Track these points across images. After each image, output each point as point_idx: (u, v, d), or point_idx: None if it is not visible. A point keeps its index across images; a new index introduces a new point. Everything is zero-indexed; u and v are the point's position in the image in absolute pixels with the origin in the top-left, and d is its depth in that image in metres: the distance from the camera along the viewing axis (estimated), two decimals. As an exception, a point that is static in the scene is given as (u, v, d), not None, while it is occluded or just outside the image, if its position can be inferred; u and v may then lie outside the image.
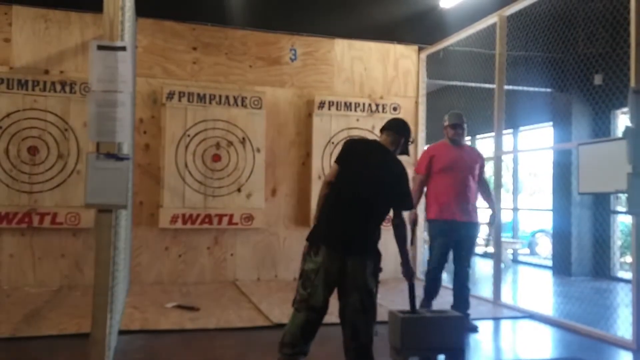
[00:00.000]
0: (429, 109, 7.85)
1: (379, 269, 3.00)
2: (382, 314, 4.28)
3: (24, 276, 6.18)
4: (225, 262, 6.89)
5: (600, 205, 8.00)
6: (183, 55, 6.88)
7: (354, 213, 2.95)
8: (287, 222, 7.12)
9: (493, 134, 6.16)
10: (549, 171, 9.00)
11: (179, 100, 6.70)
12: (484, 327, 4.91)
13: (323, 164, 7.12)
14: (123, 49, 3.42)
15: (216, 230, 6.83)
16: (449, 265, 5.32)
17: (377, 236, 3.03)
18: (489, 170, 6.12)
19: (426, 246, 7.93)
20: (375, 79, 7.58)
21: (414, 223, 4.81)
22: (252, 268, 6.98)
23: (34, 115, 6.22)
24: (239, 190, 6.87)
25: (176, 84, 6.76)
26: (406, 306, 3.42)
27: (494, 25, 6.16)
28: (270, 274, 7.03)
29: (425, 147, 7.81)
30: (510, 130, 9.68)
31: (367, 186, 2.99)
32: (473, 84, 7.66)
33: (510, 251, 9.59)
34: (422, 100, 7.73)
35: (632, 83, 4.34)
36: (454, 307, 4.72)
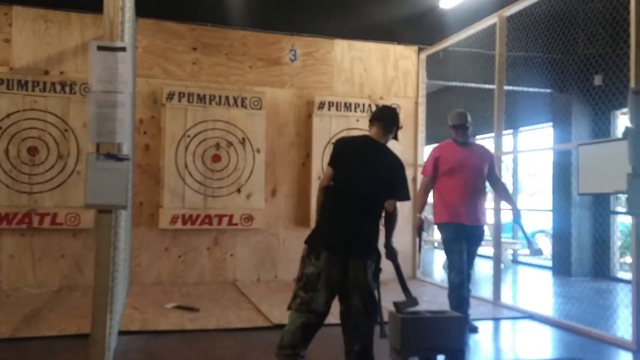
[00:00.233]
0: (429, 109, 7.86)
1: (380, 270, 2.98)
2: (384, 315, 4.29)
3: (24, 277, 6.18)
4: (225, 262, 6.89)
5: (600, 205, 8.00)
6: (183, 56, 6.88)
7: (352, 213, 2.93)
8: (287, 223, 7.12)
9: (493, 134, 6.16)
10: (548, 172, 9.00)
11: (179, 100, 6.70)
12: (484, 328, 4.90)
13: (323, 165, 7.12)
14: (123, 49, 3.42)
15: (216, 231, 6.83)
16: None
17: (377, 234, 3.01)
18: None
19: (426, 247, 7.97)
20: (375, 79, 7.58)
21: (420, 228, 4.72)
22: (252, 268, 6.98)
23: (34, 115, 6.22)
24: (238, 190, 6.88)
25: (176, 85, 6.76)
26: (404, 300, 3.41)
27: (493, 26, 6.16)
28: (270, 274, 7.03)
29: (427, 148, 7.85)
30: (510, 131, 9.68)
31: (363, 185, 2.97)
32: (473, 85, 7.66)
33: (510, 252, 9.60)
34: (422, 100, 7.74)
35: (632, 84, 4.34)
36: (449, 299, 4.66)
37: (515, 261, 9.99)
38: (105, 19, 3.41)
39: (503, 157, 6.60)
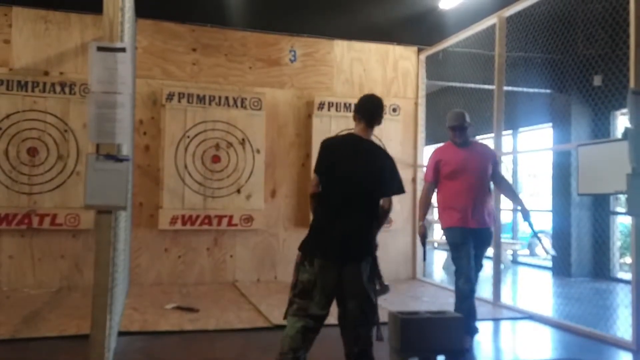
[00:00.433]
0: (429, 110, 7.86)
1: (377, 272, 2.92)
2: (382, 315, 4.29)
3: (24, 277, 6.17)
4: (225, 263, 6.89)
5: (600, 206, 8.00)
6: (183, 57, 6.88)
7: (346, 217, 2.85)
8: (287, 223, 7.12)
9: (492, 135, 6.16)
10: (548, 172, 9.00)
11: (179, 101, 6.70)
12: (484, 328, 4.90)
13: (323, 165, 7.11)
14: (123, 50, 3.42)
15: (216, 232, 6.83)
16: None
17: (372, 235, 2.95)
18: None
19: (422, 248, 7.94)
20: (374, 80, 7.59)
21: (424, 237, 4.53)
22: (251, 269, 6.98)
23: (34, 116, 6.22)
24: (238, 191, 6.87)
25: (176, 85, 6.76)
26: (405, 307, 3.41)
27: (493, 27, 6.16)
28: (270, 275, 7.03)
29: (426, 148, 7.85)
30: (510, 131, 9.68)
31: (355, 186, 2.89)
32: (472, 85, 7.67)
33: (509, 252, 9.60)
34: (422, 101, 7.74)
35: (632, 84, 4.34)
36: (456, 309, 4.38)
37: (515, 261, 9.99)
38: (105, 19, 3.41)
39: (503, 158, 6.60)
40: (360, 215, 2.89)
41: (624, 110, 7.02)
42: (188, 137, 6.73)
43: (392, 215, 7.95)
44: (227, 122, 6.87)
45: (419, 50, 7.74)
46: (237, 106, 6.91)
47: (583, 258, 8.15)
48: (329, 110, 7.24)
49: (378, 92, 7.47)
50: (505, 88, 6.13)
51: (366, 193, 2.91)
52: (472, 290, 4.33)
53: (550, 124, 8.89)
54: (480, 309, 5.49)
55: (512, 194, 4.72)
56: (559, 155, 8.39)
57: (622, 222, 7.98)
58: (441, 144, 4.75)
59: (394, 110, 7.52)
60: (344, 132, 3.21)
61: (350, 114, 7.94)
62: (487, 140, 9.85)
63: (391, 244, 7.43)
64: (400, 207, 7.47)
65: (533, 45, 6.93)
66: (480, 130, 9.56)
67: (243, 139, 6.92)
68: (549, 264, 9.05)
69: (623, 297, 6.24)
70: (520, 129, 9.85)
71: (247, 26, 7.07)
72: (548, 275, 8.63)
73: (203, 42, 6.97)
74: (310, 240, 2.89)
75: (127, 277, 5.99)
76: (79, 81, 6.29)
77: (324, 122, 7.19)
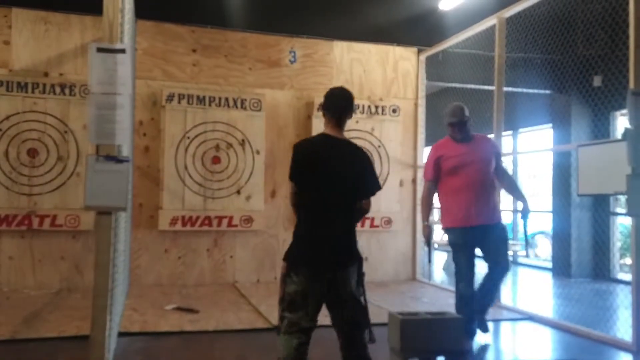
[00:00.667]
0: (429, 110, 7.86)
1: (363, 274, 2.83)
2: (381, 316, 4.28)
3: (24, 278, 6.17)
4: (225, 264, 6.89)
5: (600, 206, 8.00)
6: (183, 58, 6.88)
7: (330, 223, 2.76)
8: (287, 224, 7.12)
9: (492, 135, 6.16)
10: (548, 173, 9.00)
11: (179, 102, 6.71)
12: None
13: (323, 166, 7.12)
14: (122, 51, 3.42)
15: (216, 232, 6.83)
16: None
17: (356, 238, 2.85)
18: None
19: (426, 249, 7.94)
20: (374, 80, 7.59)
21: (429, 237, 4.41)
22: (251, 270, 6.98)
23: (34, 117, 6.23)
24: (238, 192, 6.88)
25: (176, 86, 6.76)
26: (405, 308, 3.41)
27: (493, 27, 6.17)
28: (270, 276, 7.02)
29: (426, 149, 7.84)
30: (510, 132, 9.68)
31: (337, 191, 2.78)
32: (472, 86, 7.67)
33: (509, 253, 9.58)
34: (422, 102, 7.75)
35: (631, 85, 4.34)
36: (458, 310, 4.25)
37: (515, 262, 9.98)
38: (105, 20, 3.42)
39: (503, 159, 6.60)
40: (344, 219, 2.81)
41: (624, 111, 7.03)
42: (188, 138, 6.73)
43: (392, 215, 7.94)
44: (227, 123, 6.87)
45: (419, 51, 7.75)
46: (237, 107, 6.92)
47: (583, 259, 8.15)
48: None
49: (378, 93, 7.59)
50: (505, 89, 6.13)
51: (349, 196, 2.82)
52: (473, 294, 4.24)
53: (550, 125, 8.89)
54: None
55: (516, 190, 4.51)
56: (559, 156, 8.39)
57: (622, 223, 7.98)
58: (439, 140, 4.56)
59: (394, 111, 7.53)
60: (317, 134, 3.01)
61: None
62: (487, 141, 9.79)
63: (391, 244, 7.44)
64: (400, 207, 7.47)
65: (533, 46, 6.93)
66: (480, 131, 9.55)
67: (243, 140, 6.92)
68: (549, 264, 9.04)
69: (623, 298, 6.24)
70: (520, 130, 9.85)
71: (247, 27, 7.07)
72: (548, 276, 8.62)
73: (203, 43, 6.97)
74: (295, 249, 2.78)
75: (127, 278, 5.99)
76: (79, 82, 6.29)
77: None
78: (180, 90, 6.74)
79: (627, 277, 6.80)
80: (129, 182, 4.04)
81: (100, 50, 3.38)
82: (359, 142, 7.27)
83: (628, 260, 7.52)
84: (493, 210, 4.27)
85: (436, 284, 7.29)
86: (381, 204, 7.34)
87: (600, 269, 7.96)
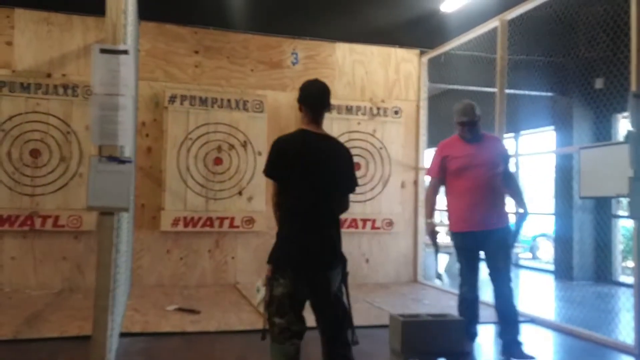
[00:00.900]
0: (431, 112, 7.87)
1: (347, 274, 2.79)
2: (382, 317, 4.30)
3: (26, 279, 6.18)
4: (227, 265, 6.90)
5: (602, 209, 7.99)
6: (185, 59, 6.90)
7: (314, 223, 2.70)
8: (289, 226, 7.12)
9: (494, 137, 6.16)
10: (550, 175, 9.00)
11: (181, 103, 6.72)
12: (485, 331, 4.89)
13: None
14: (125, 52, 3.43)
15: (217, 233, 6.84)
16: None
17: (340, 237, 2.79)
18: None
19: (427, 250, 7.94)
20: (376, 82, 7.60)
21: (433, 235, 4.24)
22: (253, 271, 6.97)
23: (36, 118, 6.24)
24: (240, 193, 6.88)
25: (178, 88, 6.78)
26: (406, 309, 3.41)
27: (495, 30, 6.16)
28: (272, 277, 7.01)
29: (428, 151, 7.85)
30: (512, 134, 9.68)
31: (320, 189, 2.71)
32: (474, 88, 7.65)
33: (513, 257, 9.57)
34: (424, 104, 7.75)
35: (633, 87, 4.34)
36: (501, 333, 4.12)
37: (516, 265, 9.97)
38: (108, 21, 3.43)
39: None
40: (328, 218, 2.76)
41: (626, 114, 7.02)
42: (190, 139, 6.74)
43: (394, 217, 7.93)
44: (229, 124, 6.88)
45: (421, 53, 7.75)
46: (239, 108, 6.93)
47: (585, 261, 8.13)
48: (330, 112, 7.23)
49: (380, 95, 7.59)
50: (507, 91, 6.12)
51: (332, 194, 2.76)
52: (476, 298, 4.17)
53: (552, 127, 8.89)
54: (482, 312, 5.47)
55: (518, 196, 4.28)
56: (561, 158, 8.38)
57: (624, 226, 7.97)
58: (447, 138, 4.39)
59: (396, 112, 7.53)
60: (295, 130, 2.89)
61: (353, 117, 8.01)
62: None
63: (392, 246, 7.43)
64: (401, 209, 7.47)
65: (535, 48, 6.93)
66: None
67: (245, 141, 6.93)
68: (551, 267, 9.03)
69: (625, 301, 6.23)
70: (522, 132, 9.84)
71: (249, 29, 7.08)
72: (550, 279, 8.61)
73: (205, 45, 6.98)
74: (280, 250, 2.72)
75: (128, 279, 5.99)
76: (82, 83, 6.30)
77: (325, 124, 6.97)
78: (182, 91, 6.75)
79: (629, 279, 6.80)
80: (132, 183, 4.05)
81: (103, 51, 3.39)
82: (360, 144, 7.40)
83: (630, 263, 7.51)
84: (498, 215, 4.10)
85: (437, 285, 7.28)
86: (383, 205, 7.35)
87: (602, 271, 7.94)
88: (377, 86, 7.59)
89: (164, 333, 4.50)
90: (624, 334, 4.74)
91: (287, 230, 2.75)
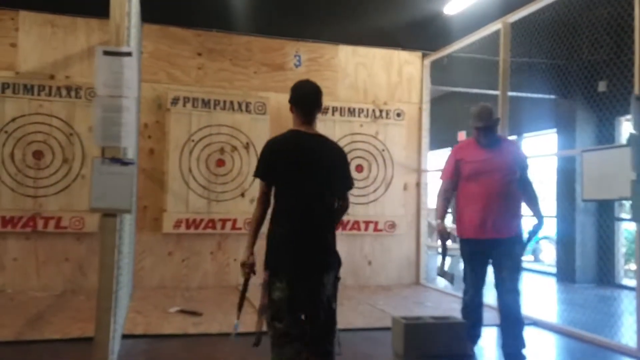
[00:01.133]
0: (433, 114, 7.87)
1: (338, 279, 2.76)
2: (385, 320, 4.29)
3: (28, 280, 6.19)
4: (229, 267, 6.89)
5: (604, 212, 7.98)
6: (188, 61, 6.91)
7: (310, 225, 2.66)
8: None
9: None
10: (553, 178, 8.99)
11: (184, 105, 6.74)
12: (488, 334, 4.88)
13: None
14: (129, 54, 3.44)
15: (219, 235, 6.84)
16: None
17: (335, 239, 2.76)
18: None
19: (430, 252, 7.94)
20: (379, 84, 7.60)
21: (443, 237, 4.12)
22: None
23: (40, 119, 6.26)
24: (242, 195, 6.89)
25: (181, 90, 6.79)
26: (408, 312, 3.40)
27: (498, 32, 6.16)
28: (274, 279, 7.01)
29: (430, 153, 7.85)
30: (514, 137, 9.67)
31: (314, 190, 2.67)
32: (477, 90, 7.67)
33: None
34: (426, 106, 7.74)
35: (636, 90, 4.34)
36: (503, 345, 4.03)
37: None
38: (112, 24, 3.44)
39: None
40: (323, 218, 2.71)
41: (629, 116, 7.01)
42: (193, 141, 6.75)
43: (396, 219, 7.91)
44: (232, 126, 6.89)
45: (424, 56, 7.75)
46: (241, 110, 6.94)
47: (587, 264, 8.12)
48: (333, 115, 7.26)
49: (382, 97, 7.60)
50: (510, 93, 6.12)
51: (326, 195, 2.72)
52: (479, 304, 4.11)
53: (555, 130, 8.88)
54: (484, 315, 5.47)
55: (535, 206, 4.09)
56: (563, 161, 8.37)
57: (626, 229, 7.95)
58: (462, 141, 4.43)
59: (398, 115, 7.53)
60: (287, 131, 2.82)
61: (355, 119, 8.02)
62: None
63: (395, 248, 7.42)
64: (404, 211, 7.47)
65: (538, 50, 6.93)
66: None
67: (247, 143, 6.94)
68: (554, 270, 9.01)
69: (627, 303, 6.21)
70: (525, 135, 9.83)
71: (252, 31, 7.10)
72: (552, 282, 8.60)
73: (208, 47, 7.00)
74: (276, 254, 2.69)
75: (130, 280, 6.00)
76: (85, 85, 6.32)
77: (328, 126, 7.20)
78: (185, 93, 6.76)
79: (632, 282, 6.77)
80: (134, 185, 4.05)
81: (106, 53, 3.41)
82: (363, 146, 7.40)
83: (633, 266, 7.50)
84: (510, 223, 3.95)
85: (439, 288, 7.26)
86: (385, 207, 7.35)
87: (604, 274, 7.93)
88: (380, 88, 7.59)
89: (166, 335, 4.50)
90: (627, 336, 4.73)
91: (281, 233, 2.70)
